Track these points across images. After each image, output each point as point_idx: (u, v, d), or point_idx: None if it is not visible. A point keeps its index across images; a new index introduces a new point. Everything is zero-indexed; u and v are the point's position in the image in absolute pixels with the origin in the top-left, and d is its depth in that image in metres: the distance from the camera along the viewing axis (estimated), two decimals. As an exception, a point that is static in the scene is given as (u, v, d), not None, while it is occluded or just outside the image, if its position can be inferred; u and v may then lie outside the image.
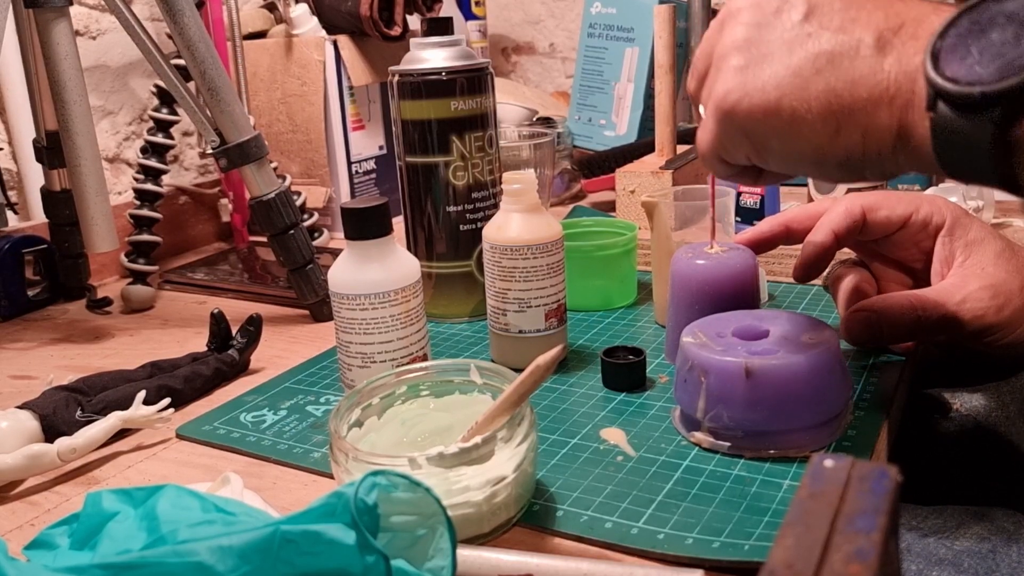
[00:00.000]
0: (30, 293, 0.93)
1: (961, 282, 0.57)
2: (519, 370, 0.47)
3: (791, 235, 0.64)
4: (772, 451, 0.51)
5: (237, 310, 0.79)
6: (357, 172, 1.14)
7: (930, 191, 0.83)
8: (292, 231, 0.80)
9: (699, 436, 0.53)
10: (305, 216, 1.05)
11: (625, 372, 0.62)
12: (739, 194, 0.88)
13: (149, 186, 0.95)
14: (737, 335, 0.55)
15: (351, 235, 0.58)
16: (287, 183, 1.03)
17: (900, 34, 0.38)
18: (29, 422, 0.57)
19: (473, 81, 0.74)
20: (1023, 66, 0.33)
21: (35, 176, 0.99)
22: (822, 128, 0.40)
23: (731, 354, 0.52)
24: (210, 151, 0.80)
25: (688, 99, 1.32)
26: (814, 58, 0.40)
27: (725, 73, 0.43)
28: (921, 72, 0.37)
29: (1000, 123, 0.34)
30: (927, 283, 0.61)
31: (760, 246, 0.65)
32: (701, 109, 0.47)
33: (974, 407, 0.69)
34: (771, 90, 0.41)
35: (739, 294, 0.62)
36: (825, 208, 0.62)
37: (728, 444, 0.52)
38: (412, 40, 0.75)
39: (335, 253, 0.87)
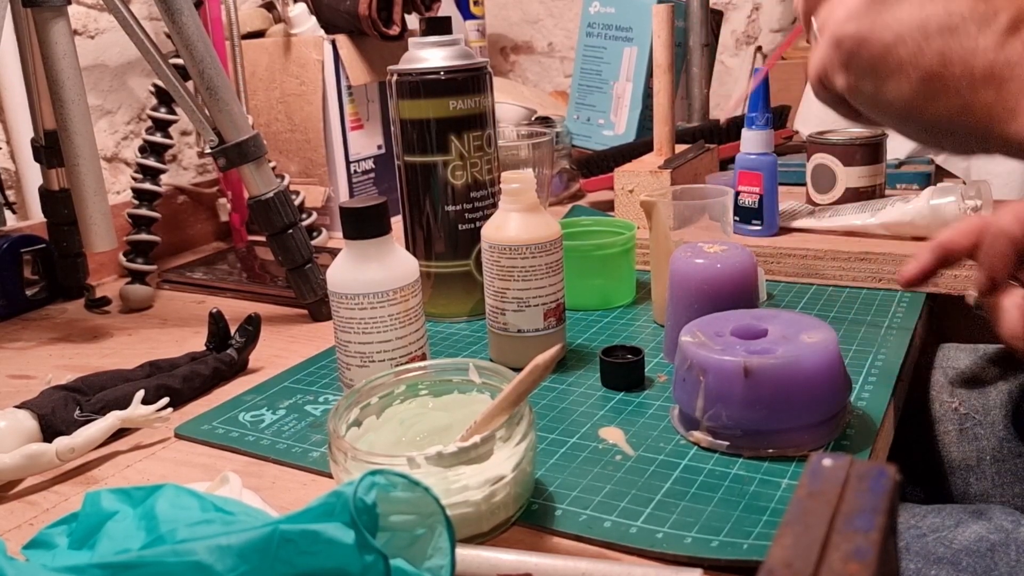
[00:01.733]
0: (28, 293, 0.93)
1: None
2: (518, 369, 0.47)
3: (951, 256, 0.59)
4: (771, 450, 0.51)
5: (236, 309, 0.79)
6: (356, 171, 1.14)
7: (927, 191, 0.82)
8: (291, 230, 0.80)
9: (698, 435, 0.53)
10: (304, 215, 1.05)
11: (624, 371, 0.62)
12: (737, 193, 0.88)
13: (147, 185, 0.95)
14: (736, 334, 0.55)
15: (350, 234, 0.58)
16: (285, 182, 1.03)
17: None
18: (27, 422, 0.57)
19: (472, 80, 0.74)
20: None
21: (33, 175, 0.99)
22: (920, 88, 0.39)
23: (730, 353, 0.52)
24: (209, 150, 0.80)
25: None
26: (946, 16, 0.38)
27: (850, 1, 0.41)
28: None
29: None
30: None
31: (928, 277, 0.60)
32: (815, 28, 0.45)
33: (974, 406, 0.70)
34: (889, 34, 0.40)
35: (738, 293, 0.62)
36: (980, 225, 0.57)
37: (727, 443, 0.52)
38: (411, 40, 0.75)
39: (334, 252, 0.87)
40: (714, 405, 0.51)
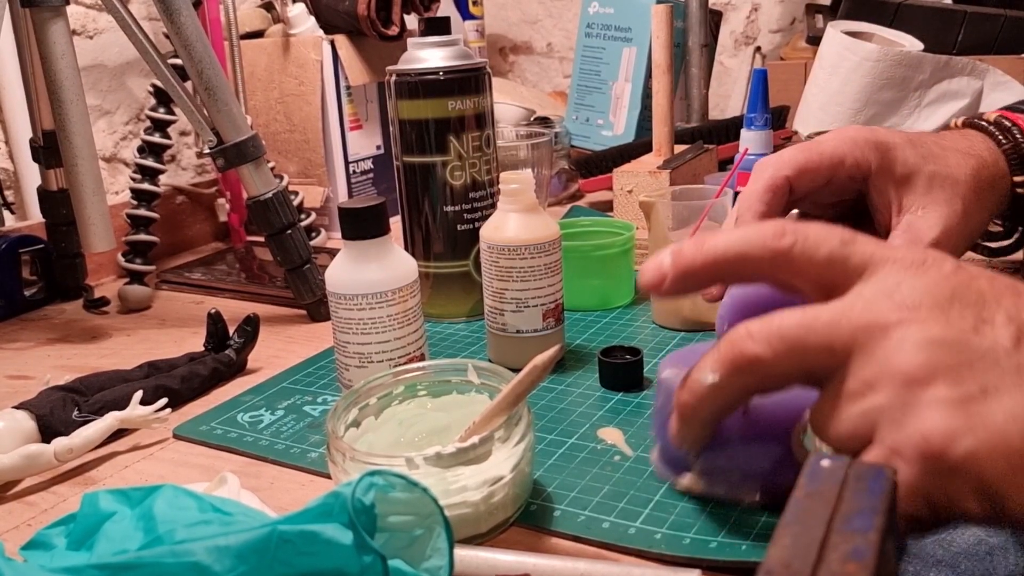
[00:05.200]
0: (27, 293, 0.93)
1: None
2: (516, 370, 0.47)
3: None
4: (761, 495, 0.45)
5: (234, 310, 0.79)
6: (354, 172, 1.14)
7: None
8: (289, 231, 0.80)
9: (690, 480, 0.47)
10: (302, 216, 1.05)
11: (623, 371, 0.62)
12: (736, 194, 0.88)
13: (146, 186, 0.95)
14: None
15: (348, 235, 0.58)
16: (284, 183, 1.03)
17: None
18: (26, 422, 0.57)
19: (470, 81, 0.74)
20: None
21: (32, 176, 0.99)
22: None
23: None
24: (207, 151, 0.80)
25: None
26: None
27: (932, 409, 0.32)
28: None
29: None
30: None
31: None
32: (820, 444, 0.36)
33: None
34: (1013, 431, 0.32)
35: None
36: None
37: (724, 488, 0.46)
38: (409, 40, 0.75)
39: (332, 253, 0.87)
40: (709, 447, 0.44)
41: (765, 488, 0.45)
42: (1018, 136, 0.56)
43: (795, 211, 0.61)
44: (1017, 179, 0.56)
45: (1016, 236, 0.65)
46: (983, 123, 0.58)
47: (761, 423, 0.44)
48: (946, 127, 0.60)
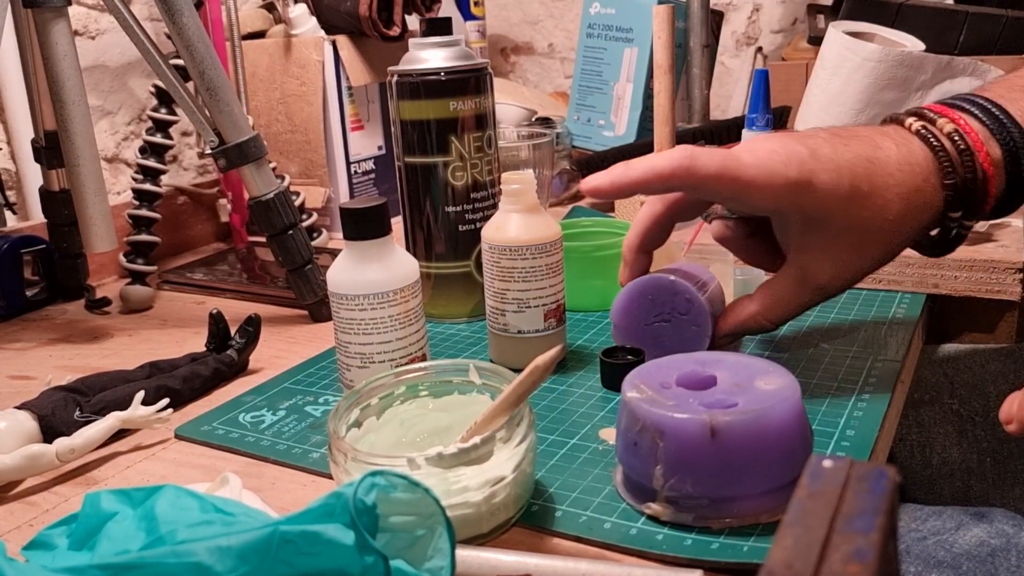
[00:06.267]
0: (29, 293, 0.93)
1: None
2: (518, 370, 0.47)
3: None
4: (728, 519, 0.44)
5: (236, 310, 0.79)
6: (356, 172, 1.14)
7: None
8: (291, 231, 0.80)
9: (656, 508, 0.45)
10: (304, 216, 1.05)
11: (624, 372, 0.61)
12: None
13: (148, 186, 0.95)
14: (683, 385, 0.48)
15: (350, 235, 0.58)
16: (286, 183, 1.03)
17: None
18: (28, 422, 0.57)
19: (472, 81, 0.74)
20: None
21: (34, 176, 0.99)
22: None
23: (688, 410, 0.44)
24: (209, 151, 0.80)
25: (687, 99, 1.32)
26: None
27: None
28: None
29: None
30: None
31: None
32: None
33: (974, 408, 0.70)
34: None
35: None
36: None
37: (692, 515, 0.45)
38: (411, 40, 0.75)
39: (334, 253, 0.87)
40: (676, 473, 0.44)
41: (734, 513, 0.45)
42: (967, 168, 0.51)
43: (717, 206, 0.62)
44: (951, 215, 0.53)
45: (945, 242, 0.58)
46: (934, 140, 0.52)
47: (728, 449, 0.43)
48: (898, 121, 0.55)
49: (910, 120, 0.54)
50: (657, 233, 0.60)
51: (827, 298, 0.56)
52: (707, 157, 0.52)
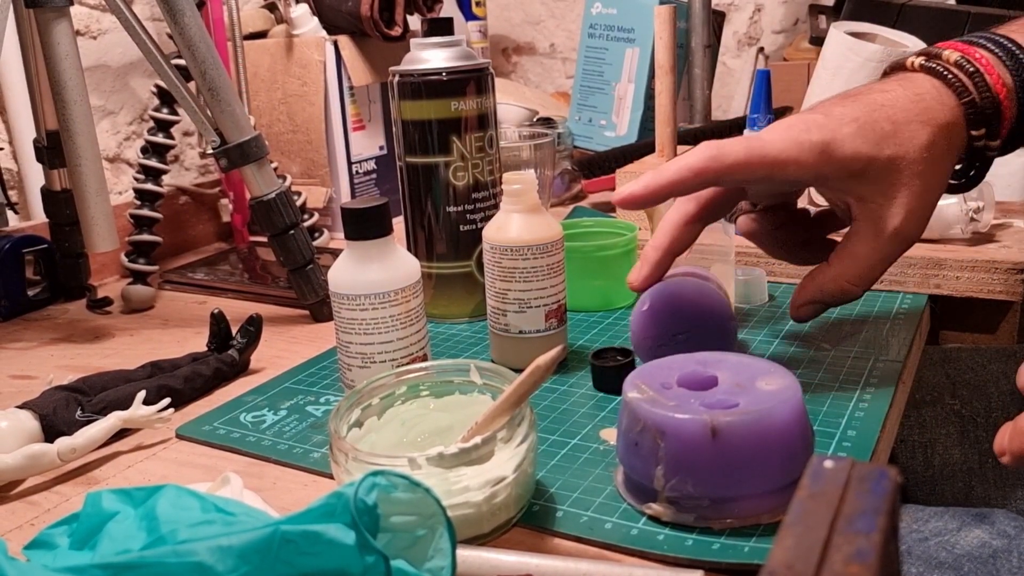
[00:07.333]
0: (30, 293, 0.93)
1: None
2: (519, 370, 0.47)
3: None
4: (729, 520, 0.45)
5: (237, 310, 0.79)
6: (357, 172, 1.14)
7: None
8: (292, 231, 0.80)
9: (657, 508, 0.45)
10: (305, 216, 1.05)
11: (614, 374, 0.61)
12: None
13: (149, 186, 0.95)
14: (684, 385, 0.48)
15: (351, 235, 0.58)
16: (287, 183, 1.03)
17: None
18: (29, 422, 0.57)
19: (473, 81, 0.74)
20: None
21: (35, 176, 0.99)
22: None
23: (688, 410, 0.44)
24: (210, 151, 0.80)
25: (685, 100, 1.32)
26: None
27: None
28: None
29: None
30: None
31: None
32: None
33: (976, 408, 0.69)
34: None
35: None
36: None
37: (693, 516, 0.45)
38: (412, 40, 0.75)
39: (335, 253, 0.87)
40: (677, 473, 0.44)
41: (735, 514, 0.45)
42: (980, 88, 0.52)
43: (743, 203, 0.61)
44: (975, 132, 0.53)
45: (971, 174, 0.59)
46: (941, 68, 0.53)
47: (730, 449, 0.43)
48: (901, 66, 0.56)
49: (912, 59, 0.55)
50: (687, 234, 0.59)
51: (906, 246, 0.55)
52: (731, 145, 0.52)
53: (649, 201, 0.54)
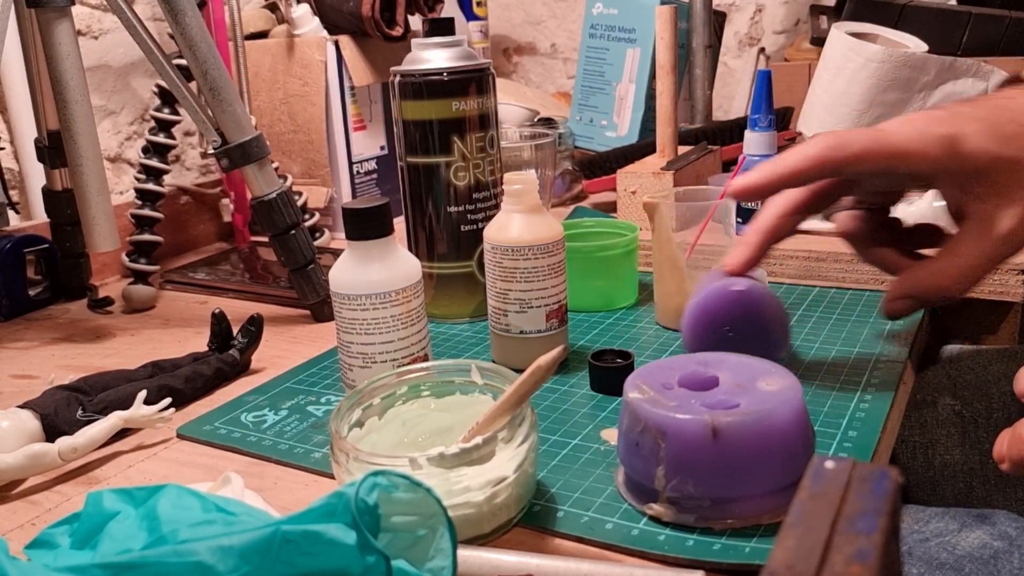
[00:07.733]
0: (31, 292, 0.93)
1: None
2: (520, 371, 0.47)
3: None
4: (729, 520, 0.45)
5: (238, 310, 0.79)
6: (358, 172, 1.14)
7: (930, 193, 0.82)
8: (293, 231, 0.80)
9: (658, 508, 0.46)
10: (306, 216, 1.05)
11: (612, 376, 0.61)
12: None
13: (151, 186, 0.95)
14: (685, 385, 0.48)
15: (352, 235, 0.58)
16: (288, 183, 1.03)
17: None
18: (30, 422, 0.57)
19: (474, 82, 0.74)
20: None
21: (37, 176, 0.99)
22: None
23: (689, 411, 0.45)
24: (211, 151, 0.80)
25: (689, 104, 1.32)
26: None
27: None
28: None
29: None
30: None
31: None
32: None
33: (976, 409, 0.69)
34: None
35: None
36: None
37: (694, 516, 0.45)
38: (413, 40, 0.75)
39: (336, 253, 0.87)
40: (678, 474, 0.44)
41: (736, 514, 0.45)
42: None
43: (847, 198, 0.61)
44: None
45: None
46: None
47: (730, 449, 0.44)
48: (1018, 78, 0.55)
49: None
50: (790, 223, 0.58)
51: (1014, 251, 0.53)
52: (854, 135, 0.52)
53: (767, 192, 0.54)
